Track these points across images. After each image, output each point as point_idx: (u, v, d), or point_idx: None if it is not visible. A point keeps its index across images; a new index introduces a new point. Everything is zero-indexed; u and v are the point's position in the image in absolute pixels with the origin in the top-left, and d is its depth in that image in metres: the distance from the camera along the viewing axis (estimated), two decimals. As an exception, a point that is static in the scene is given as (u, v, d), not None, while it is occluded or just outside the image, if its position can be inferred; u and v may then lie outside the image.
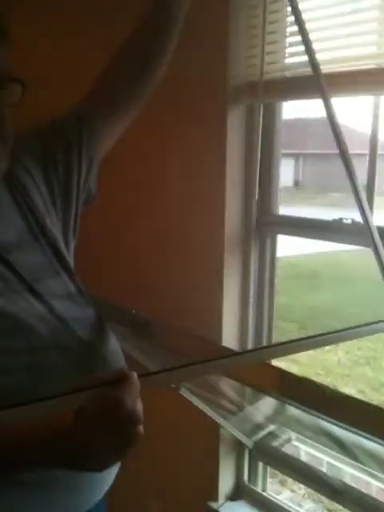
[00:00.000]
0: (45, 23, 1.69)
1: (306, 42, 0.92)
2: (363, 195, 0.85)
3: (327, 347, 5.12)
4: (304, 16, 1.21)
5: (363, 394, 4.26)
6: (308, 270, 7.64)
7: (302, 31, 0.94)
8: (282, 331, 5.47)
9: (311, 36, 1.20)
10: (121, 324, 0.91)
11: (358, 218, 1.22)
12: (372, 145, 1.15)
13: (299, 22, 0.94)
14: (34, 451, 0.63)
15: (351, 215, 1.29)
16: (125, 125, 1.04)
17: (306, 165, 19.75)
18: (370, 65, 1.12)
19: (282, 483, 2.40)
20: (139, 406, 0.60)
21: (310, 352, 5.04)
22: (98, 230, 1.60)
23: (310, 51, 0.89)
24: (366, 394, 4.26)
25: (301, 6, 1.21)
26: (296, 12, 0.96)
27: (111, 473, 0.89)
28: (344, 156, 0.84)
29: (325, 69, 1.18)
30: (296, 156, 19.07)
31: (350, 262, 7.78)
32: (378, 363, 4.77)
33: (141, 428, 0.61)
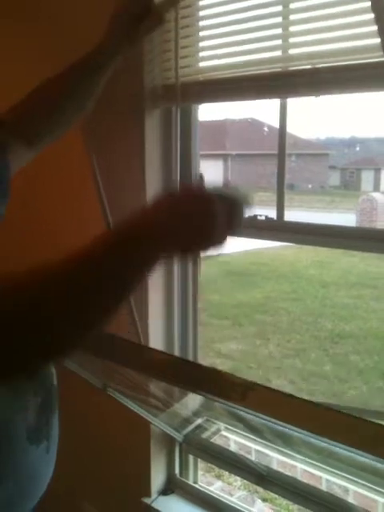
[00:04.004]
0: None
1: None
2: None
3: (258, 341, 5.28)
4: (212, 21, 1.27)
5: (294, 385, 4.42)
6: (239, 267, 7.82)
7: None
8: (216, 328, 5.57)
9: (218, 41, 1.27)
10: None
11: (272, 214, 1.29)
12: (280, 144, 1.21)
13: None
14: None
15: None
16: (39, 151, 1.07)
17: (234, 165, 20.14)
18: (275, 68, 1.18)
19: (218, 476, 2.46)
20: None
21: (242, 347, 5.17)
22: (13, 231, 1.58)
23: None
24: (297, 384, 4.42)
25: (210, 11, 1.28)
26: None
27: (43, 479, 0.90)
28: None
29: (232, 73, 1.24)
30: (224, 157, 19.42)
31: (276, 258, 8.05)
32: (307, 354, 4.96)
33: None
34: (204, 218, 0.65)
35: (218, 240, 0.67)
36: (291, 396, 0.61)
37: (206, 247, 0.67)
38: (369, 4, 0.94)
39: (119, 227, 0.64)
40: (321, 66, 1.11)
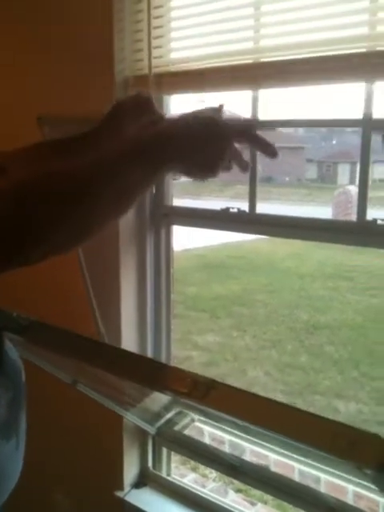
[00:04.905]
0: None
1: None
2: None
3: (235, 333, 5.30)
4: (183, 12, 1.26)
5: (270, 376, 4.45)
6: (216, 260, 7.83)
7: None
8: (193, 321, 5.59)
9: (190, 32, 1.26)
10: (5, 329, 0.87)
11: (244, 207, 1.29)
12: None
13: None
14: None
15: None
16: None
17: (212, 158, 20.07)
18: (247, 60, 1.18)
19: (194, 468, 2.46)
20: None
21: (219, 339, 5.19)
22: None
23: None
24: (273, 376, 4.45)
25: (182, 1, 1.26)
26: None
27: (13, 476, 0.89)
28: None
29: (203, 64, 1.23)
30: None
31: (252, 250, 8.10)
32: (282, 346, 5.00)
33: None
34: (216, 143, 0.68)
35: (220, 168, 0.70)
36: (253, 394, 0.60)
37: (208, 171, 0.69)
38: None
39: (138, 135, 0.68)
40: (292, 57, 1.11)
